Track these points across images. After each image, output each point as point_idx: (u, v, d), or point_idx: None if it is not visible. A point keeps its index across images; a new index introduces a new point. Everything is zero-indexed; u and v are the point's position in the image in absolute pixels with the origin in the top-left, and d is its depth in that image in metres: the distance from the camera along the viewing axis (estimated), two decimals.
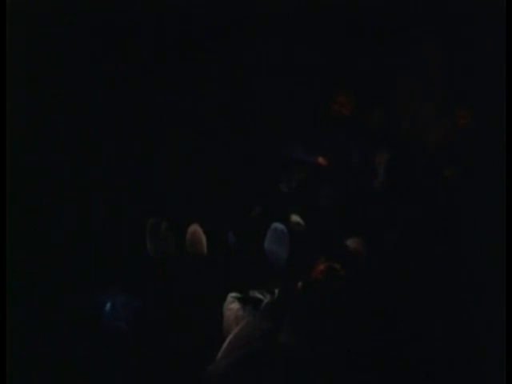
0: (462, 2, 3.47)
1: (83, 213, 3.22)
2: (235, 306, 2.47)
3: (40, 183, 3.24)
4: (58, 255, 2.92)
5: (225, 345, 2.20)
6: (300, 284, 2.48)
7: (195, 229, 3.02)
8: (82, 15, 3.50)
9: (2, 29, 2.82)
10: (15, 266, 2.72)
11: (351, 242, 2.82)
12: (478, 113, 3.43)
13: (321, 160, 3.57)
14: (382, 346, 2.29)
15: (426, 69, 3.74)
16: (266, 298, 2.47)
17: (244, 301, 2.48)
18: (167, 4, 3.62)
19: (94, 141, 3.51)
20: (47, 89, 3.43)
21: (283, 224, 3.05)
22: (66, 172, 3.36)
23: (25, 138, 3.22)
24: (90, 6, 3.49)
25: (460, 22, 3.53)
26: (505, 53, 2.82)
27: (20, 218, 3.01)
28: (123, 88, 3.61)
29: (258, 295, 2.53)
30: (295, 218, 3.28)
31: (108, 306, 2.48)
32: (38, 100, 3.39)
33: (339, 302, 2.39)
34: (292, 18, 3.83)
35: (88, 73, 3.55)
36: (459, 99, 3.56)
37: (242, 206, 3.28)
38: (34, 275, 2.79)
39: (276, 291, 2.49)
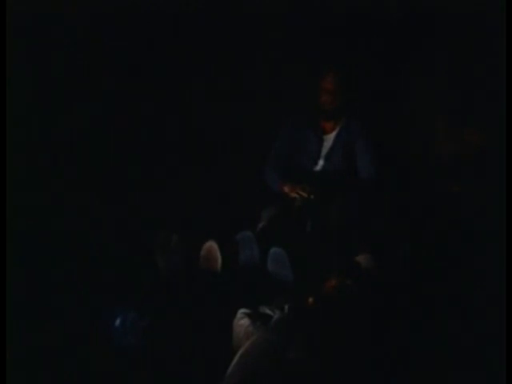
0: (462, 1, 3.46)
1: (94, 226, 3.21)
2: (245, 322, 2.43)
3: (48, 196, 3.21)
4: (66, 268, 2.90)
5: (235, 361, 2.18)
6: (311, 299, 2.48)
7: (211, 245, 2.99)
8: (82, 15, 3.47)
9: (1, 29, 2.77)
10: (22, 282, 2.69)
11: (361, 259, 2.83)
12: (485, 127, 3.42)
13: None
14: (394, 362, 2.29)
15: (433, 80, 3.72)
16: (276, 314, 2.46)
17: (254, 317, 2.47)
18: (167, 4, 3.60)
19: (103, 149, 3.49)
20: (47, 89, 3.40)
21: (280, 247, 2.98)
22: (75, 185, 3.33)
23: (25, 144, 3.20)
24: (90, 6, 3.46)
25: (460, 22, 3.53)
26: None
27: (26, 232, 2.97)
28: (126, 92, 3.59)
29: (268, 311, 2.52)
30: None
31: (118, 321, 2.45)
32: (37, 100, 3.36)
33: (351, 317, 2.38)
34: (291, 19, 3.82)
35: (88, 75, 3.52)
36: (468, 113, 3.54)
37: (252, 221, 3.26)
38: (42, 290, 2.77)
39: (286, 307, 2.49)
